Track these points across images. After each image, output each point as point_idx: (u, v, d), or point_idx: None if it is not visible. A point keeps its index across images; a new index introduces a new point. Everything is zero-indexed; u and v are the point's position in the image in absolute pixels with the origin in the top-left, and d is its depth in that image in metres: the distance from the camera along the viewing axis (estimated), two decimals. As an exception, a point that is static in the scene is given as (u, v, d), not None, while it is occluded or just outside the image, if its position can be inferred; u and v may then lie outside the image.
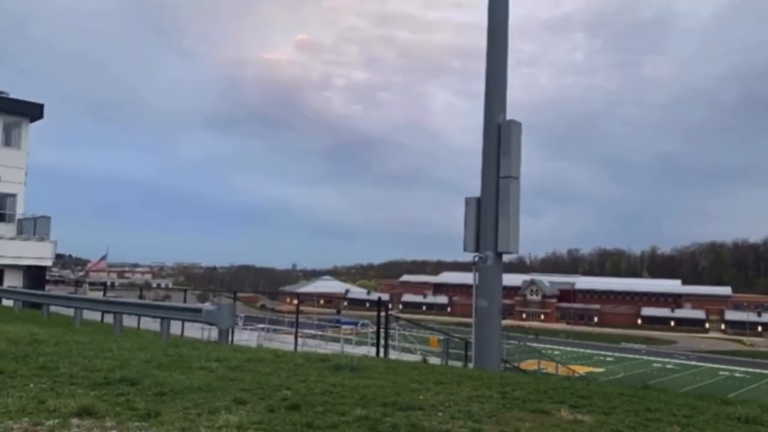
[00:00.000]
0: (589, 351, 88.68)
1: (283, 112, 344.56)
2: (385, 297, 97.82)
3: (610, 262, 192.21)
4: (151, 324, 18.80)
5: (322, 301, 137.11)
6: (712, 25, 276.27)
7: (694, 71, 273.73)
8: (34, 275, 29.14)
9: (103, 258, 41.59)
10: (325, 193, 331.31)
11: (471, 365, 11.79)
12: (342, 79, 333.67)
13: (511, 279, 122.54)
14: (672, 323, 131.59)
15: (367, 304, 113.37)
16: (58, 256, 37.88)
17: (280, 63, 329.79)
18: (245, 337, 20.90)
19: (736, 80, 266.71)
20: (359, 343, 21.18)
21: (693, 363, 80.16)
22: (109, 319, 19.25)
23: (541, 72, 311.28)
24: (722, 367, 76.50)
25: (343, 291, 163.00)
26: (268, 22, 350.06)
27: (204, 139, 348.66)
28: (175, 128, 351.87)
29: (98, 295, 26.87)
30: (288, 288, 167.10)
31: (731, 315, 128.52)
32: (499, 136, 11.19)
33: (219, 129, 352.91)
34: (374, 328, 17.55)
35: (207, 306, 14.04)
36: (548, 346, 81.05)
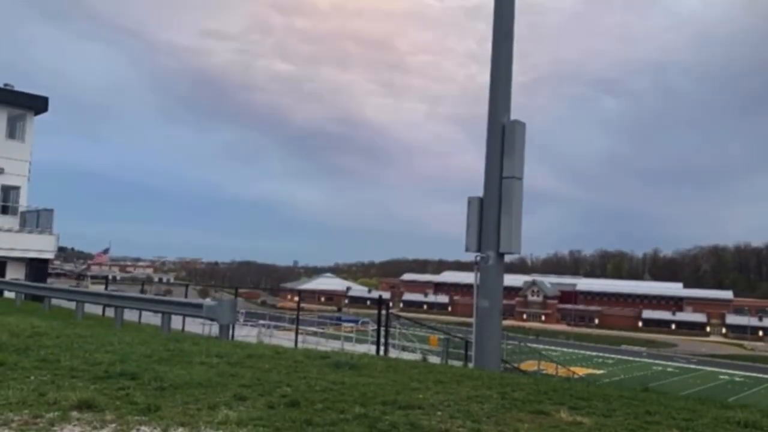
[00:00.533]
0: (589, 353, 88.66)
1: (220, 104, 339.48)
2: (386, 295, 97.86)
3: (611, 264, 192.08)
4: (152, 318, 18.84)
5: (323, 299, 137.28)
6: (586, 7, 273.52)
7: (594, 61, 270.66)
8: (37, 268, 29.22)
9: (106, 251, 41.72)
10: (323, 190, 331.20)
11: (471, 365, 11.79)
12: (266, 70, 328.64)
13: (512, 279, 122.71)
14: (673, 326, 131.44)
15: (368, 302, 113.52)
16: (61, 249, 38.02)
17: (196, 53, 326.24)
18: (246, 333, 20.93)
19: (649, 72, 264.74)
20: (359, 341, 21.16)
21: (693, 366, 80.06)
22: (110, 313, 19.28)
23: (444, 60, 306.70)
24: (722, 371, 76.33)
25: (344, 289, 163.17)
26: (173, 10, 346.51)
27: (169, 133, 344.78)
28: (119, 122, 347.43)
29: (100, 288, 26.95)
30: (289, 285, 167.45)
31: (732, 319, 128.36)
32: (503, 136, 11.17)
33: (172, 123, 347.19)
34: (375, 326, 17.55)
35: (208, 301, 14.08)
36: (548, 347, 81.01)
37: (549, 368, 28.68)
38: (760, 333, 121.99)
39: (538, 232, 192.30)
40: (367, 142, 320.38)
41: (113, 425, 4.10)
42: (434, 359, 17.17)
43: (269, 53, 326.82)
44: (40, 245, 29.24)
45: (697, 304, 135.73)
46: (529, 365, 27.70)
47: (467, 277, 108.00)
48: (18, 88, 31.49)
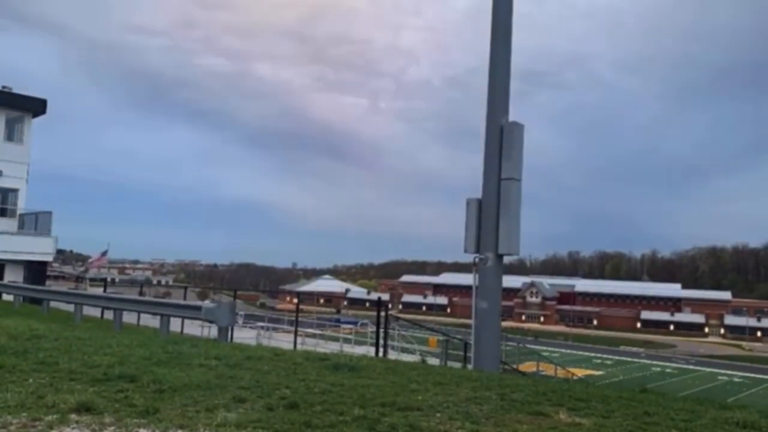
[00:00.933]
0: (588, 354, 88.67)
1: (161, 101, 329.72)
2: (385, 297, 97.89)
3: (610, 265, 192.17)
4: (150, 321, 18.82)
5: (322, 301, 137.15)
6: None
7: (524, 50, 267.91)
8: (35, 270, 29.15)
9: (104, 254, 41.62)
10: (323, 192, 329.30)
11: (470, 366, 11.79)
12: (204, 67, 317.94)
13: (511, 281, 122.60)
14: (671, 327, 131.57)
15: (367, 304, 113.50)
16: (59, 252, 37.94)
17: (127, 49, 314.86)
18: (245, 335, 20.90)
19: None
20: (358, 343, 21.15)
21: (692, 367, 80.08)
22: (109, 315, 19.27)
23: (383, 58, 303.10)
24: (721, 371, 76.39)
25: (343, 290, 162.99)
26: (93, 4, 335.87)
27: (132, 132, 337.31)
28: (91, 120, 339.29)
29: (98, 291, 26.91)
30: (288, 287, 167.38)
31: (731, 320, 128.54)
32: (502, 138, 11.19)
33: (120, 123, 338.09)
34: (374, 328, 17.56)
35: (207, 303, 14.07)
36: (547, 348, 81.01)
37: (548, 369, 28.66)
38: (759, 333, 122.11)
39: (534, 232, 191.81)
40: (332, 143, 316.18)
41: (112, 428, 4.10)
42: (433, 361, 17.17)
43: (202, 51, 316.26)
44: (38, 248, 29.17)
45: (696, 304, 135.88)
46: (528, 366, 27.66)
47: (466, 279, 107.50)
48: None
